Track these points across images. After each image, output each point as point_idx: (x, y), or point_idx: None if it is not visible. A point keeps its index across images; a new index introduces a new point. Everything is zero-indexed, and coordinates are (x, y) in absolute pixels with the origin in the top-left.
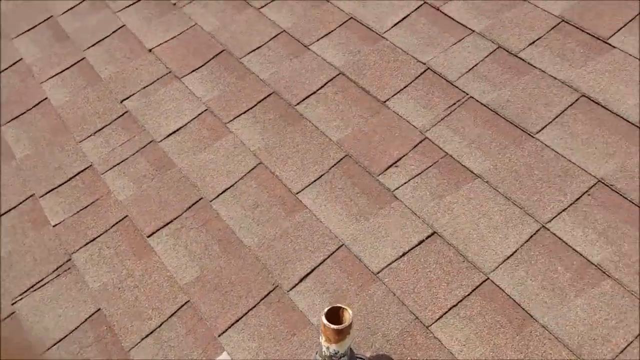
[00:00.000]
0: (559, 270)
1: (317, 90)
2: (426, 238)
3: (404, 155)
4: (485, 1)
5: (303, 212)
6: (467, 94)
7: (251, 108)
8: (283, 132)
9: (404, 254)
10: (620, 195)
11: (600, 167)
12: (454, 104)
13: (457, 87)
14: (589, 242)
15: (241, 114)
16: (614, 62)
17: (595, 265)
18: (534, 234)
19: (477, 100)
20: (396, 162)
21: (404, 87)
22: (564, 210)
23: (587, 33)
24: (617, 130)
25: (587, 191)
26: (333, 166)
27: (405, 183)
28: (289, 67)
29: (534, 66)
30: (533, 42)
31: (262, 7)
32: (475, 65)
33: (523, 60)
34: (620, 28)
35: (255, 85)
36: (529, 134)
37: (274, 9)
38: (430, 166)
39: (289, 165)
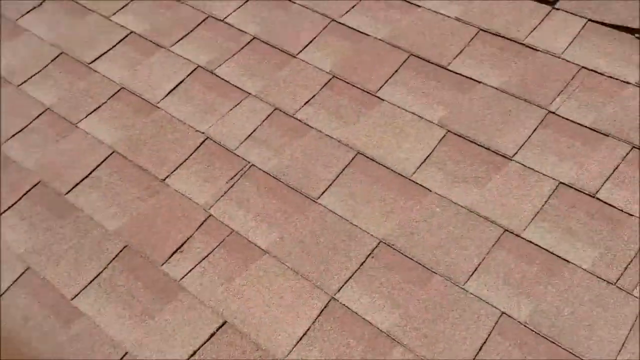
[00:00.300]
0: (352, 344)
1: (90, 173)
2: (217, 330)
3: (189, 238)
4: (258, 61)
5: (80, 321)
6: (249, 162)
7: (14, 204)
8: (53, 227)
9: (194, 353)
10: (402, 254)
11: (381, 226)
12: (236, 174)
13: (238, 155)
14: (377, 309)
15: (3, 212)
16: (385, 115)
17: (385, 333)
18: (325, 307)
19: (259, 168)
20: (181, 246)
21: (184, 161)
22: (351, 277)
23: (357, 87)
24: (392, 186)
25: (370, 254)
26: (112, 261)
27: (191, 269)
28: (56, 150)
29: (311, 126)
30: (308, 102)
31: (22, 83)
32: (254, 131)
33: (300, 121)
34: (387, 80)
35: (18, 176)
36: (311, 199)
37: (36, 85)
38: (217, 246)
39: (62, 266)
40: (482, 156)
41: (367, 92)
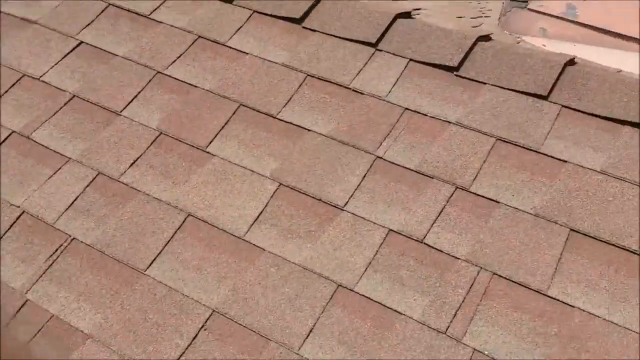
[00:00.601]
0: None
1: None
2: None
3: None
4: (79, 122)
5: None
6: (70, 236)
7: None
8: None
9: None
10: (235, 322)
11: (214, 293)
12: (57, 250)
13: (58, 229)
14: None
15: None
16: (216, 171)
17: None
18: None
19: (82, 242)
20: None
21: None
22: (181, 355)
23: (187, 144)
24: (225, 248)
25: (203, 326)
26: None
27: None
28: None
29: (138, 190)
30: (134, 162)
31: None
32: (76, 200)
33: (126, 185)
34: (217, 133)
35: None
36: (139, 272)
37: None
38: (34, 335)
39: None
40: (315, 208)
41: (197, 148)
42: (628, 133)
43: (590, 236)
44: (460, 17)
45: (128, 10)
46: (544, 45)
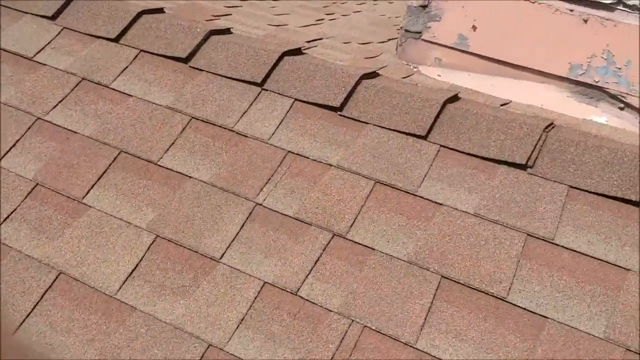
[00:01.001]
0: None
1: None
2: None
3: None
4: None
5: None
6: None
7: None
8: None
9: None
10: None
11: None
12: None
13: None
14: None
15: None
16: (91, 224)
17: None
18: None
19: None
20: None
21: None
22: None
23: (63, 195)
24: (96, 308)
25: None
26: None
27: None
28: None
29: (10, 247)
30: (8, 217)
31: None
32: None
33: None
34: (95, 183)
35: None
36: (8, 336)
37: None
38: None
39: None
40: (191, 261)
41: (73, 199)
42: (503, 173)
43: (460, 283)
44: (365, 44)
45: (12, 53)
46: (439, 76)
